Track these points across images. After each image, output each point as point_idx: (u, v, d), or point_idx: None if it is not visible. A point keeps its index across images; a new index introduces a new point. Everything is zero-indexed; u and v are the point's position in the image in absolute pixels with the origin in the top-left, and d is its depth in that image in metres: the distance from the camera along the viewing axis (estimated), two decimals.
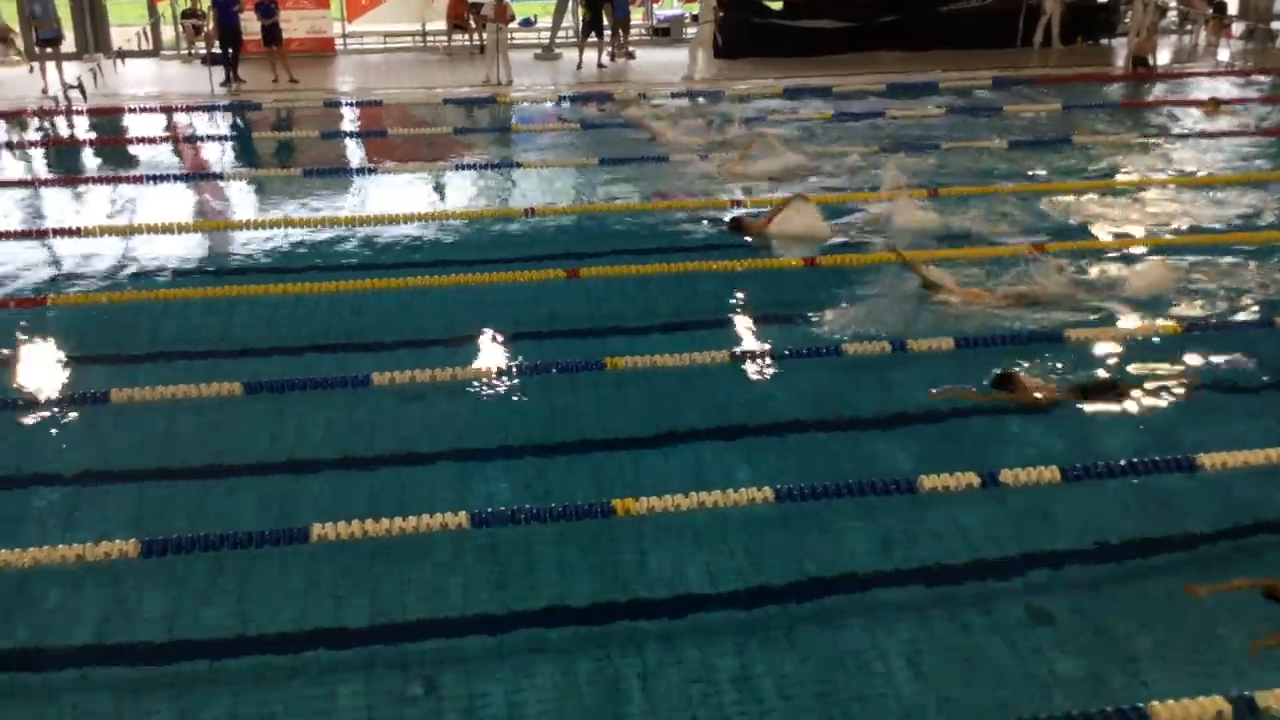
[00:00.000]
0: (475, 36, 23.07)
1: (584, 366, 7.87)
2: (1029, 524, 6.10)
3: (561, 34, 23.43)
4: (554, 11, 23.27)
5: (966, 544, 5.94)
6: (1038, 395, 7.37)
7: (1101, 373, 7.79)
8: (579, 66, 21.46)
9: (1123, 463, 6.44)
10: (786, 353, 8.11)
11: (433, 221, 11.59)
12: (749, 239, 10.68)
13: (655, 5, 25.85)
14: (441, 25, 23.44)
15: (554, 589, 5.59)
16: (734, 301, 9.30)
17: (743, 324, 8.93)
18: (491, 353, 8.39)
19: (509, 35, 20.48)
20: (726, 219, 11.13)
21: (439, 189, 13.04)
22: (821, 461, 6.80)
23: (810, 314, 8.90)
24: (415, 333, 8.73)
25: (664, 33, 24.52)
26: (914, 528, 6.04)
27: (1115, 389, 7.49)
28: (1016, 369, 7.56)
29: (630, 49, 22.73)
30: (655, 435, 7.08)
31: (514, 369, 7.91)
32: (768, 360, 8.07)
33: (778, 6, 23.07)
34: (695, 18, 24.76)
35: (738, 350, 8.20)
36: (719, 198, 12.14)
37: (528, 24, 24.96)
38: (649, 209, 11.79)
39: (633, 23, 23.21)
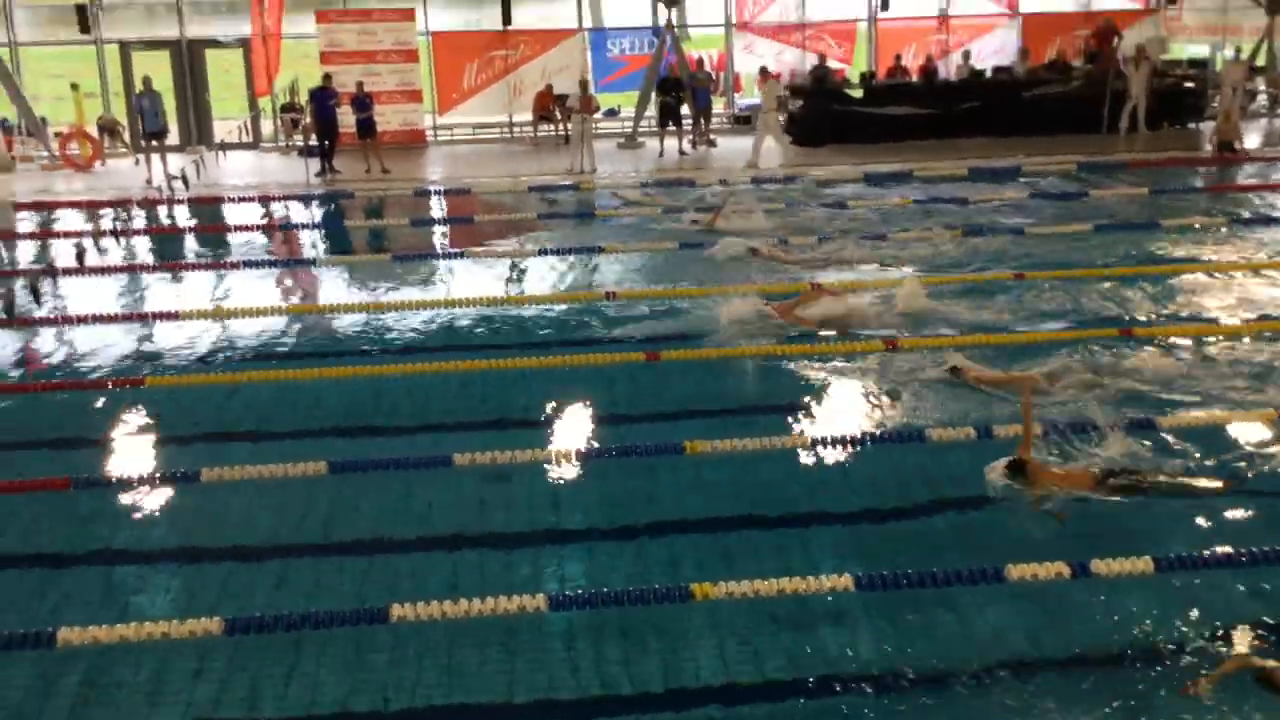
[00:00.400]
0: (560, 127, 23.64)
1: (662, 450, 7.86)
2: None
3: (644, 123, 23.88)
4: (637, 102, 23.75)
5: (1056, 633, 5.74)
6: (1054, 485, 7.11)
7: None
8: (660, 154, 21.81)
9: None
10: (862, 436, 8.01)
11: (515, 305, 11.77)
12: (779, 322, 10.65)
13: (737, 94, 26.22)
14: (528, 117, 24.07)
15: (628, 675, 5.52)
16: (807, 385, 9.22)
17: (818, 408, 8.83)
18: (571, 434, 8.42)
19: (594, 125, 20.93)
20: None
21: (522, 273, 13.26)
22: (901, 548, 6.66)
23: (883, 398, 8.81)
24: (497, 414, 8.83)
25: (745, 121, 24.82)
26: (1003, 614, 5.86)
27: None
28: (1032, 458, 7.25)
29: (712, 137, 23.05)
30: (734, 519, 7.01)
31: (593, 451, 7.92)
32: (841, 446, 7.95)
33: (858, 94, 23.26)
34: None
35: (813, 435, 8.11)
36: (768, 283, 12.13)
37: (612, 114, 25.50)
38: (717, 292, 11.81)
39: (714, 111, 23.57)
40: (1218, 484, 7.24)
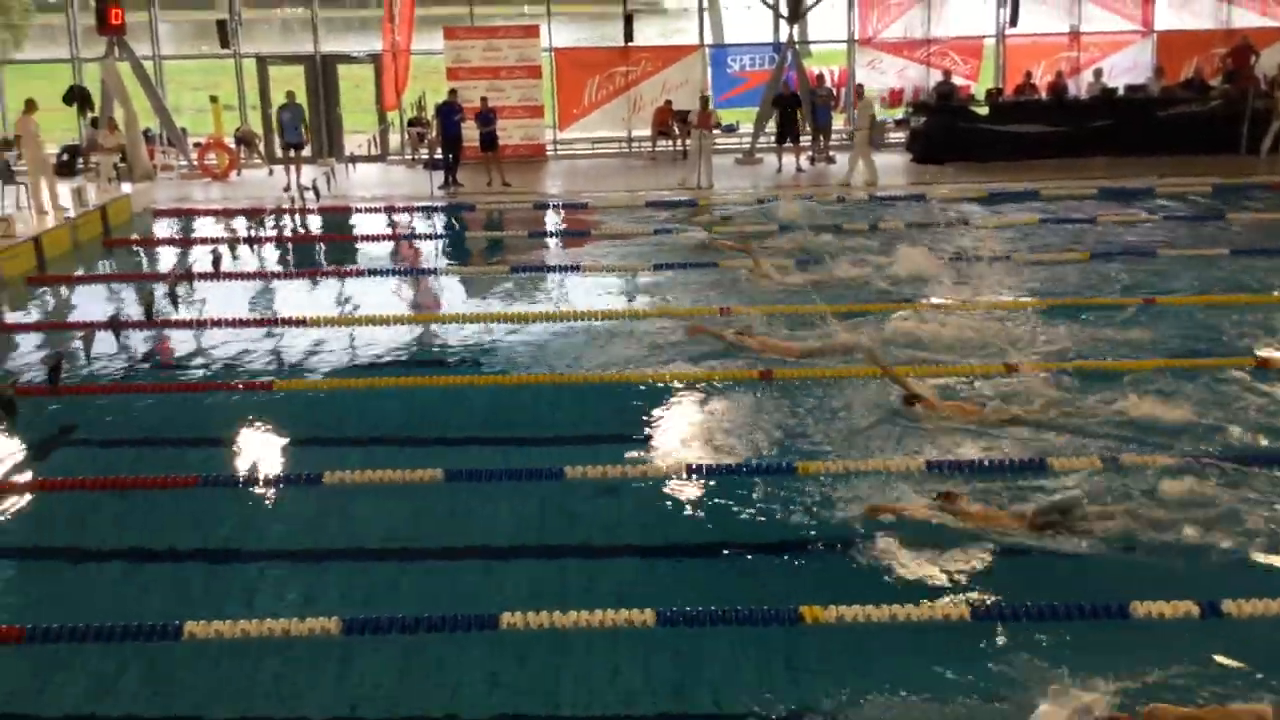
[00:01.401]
0: (678, 142, 23.73)
1: (775, 469, 7.81)
2: None
3: (763, 140, 23.81)
4: (756, 118, 23.70)
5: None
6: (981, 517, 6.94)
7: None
8: (778, 170, 21.72)
9: None
10: (986, 463, 7.83)
11: (630, 319, 11.83)
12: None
13: (856, 110, 25.95)
14: (647, 132, 24.23)
15: (732, 695, 5.48)
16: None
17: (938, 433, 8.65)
18: (684, 450, 8.41)
19: (712, 141, 20.95)
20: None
21: (638, 288, 13.32)
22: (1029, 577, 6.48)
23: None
24: (610, 428, 8.87)
25: None
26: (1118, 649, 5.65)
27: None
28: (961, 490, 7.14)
29: (831, 154, 22.86)
30: (846, 541, 6.90)
31: (705, 468, 7.90)
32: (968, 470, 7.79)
33: (983, 111, 22.81)
34: (898, 123, 24.76)
35: (932, 457, 7.95)
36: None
37: (730, 130, 25.48)
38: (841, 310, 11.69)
39: (834, 128, 23.37)
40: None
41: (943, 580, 6.40)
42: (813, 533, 7.03)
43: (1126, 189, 18.40)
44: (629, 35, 23.61)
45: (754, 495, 7.53)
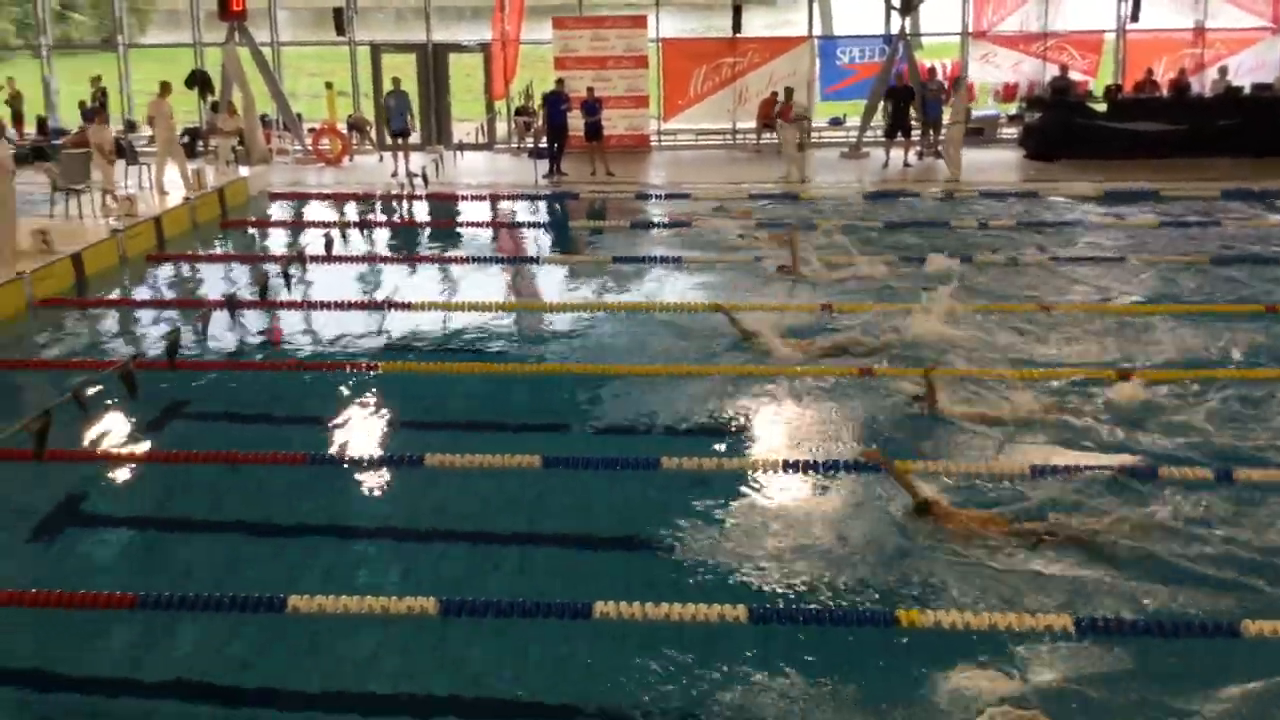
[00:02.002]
0: None
1: (869, 467, 7.70)
2: None
3: (871, 133, 23.49)
4: (864, 111, 23.37)
5: None
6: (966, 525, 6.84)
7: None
8: (885, 165, 21.39)
9: None
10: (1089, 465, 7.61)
11: (731, 311, 11.74)
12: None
13: (969, 104, 25.41)
14: (752, 124, 24.08)
15: (823, 697, 5.43)
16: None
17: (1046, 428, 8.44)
18: (777, 445, 8.36)
19: (797, 134, 20.67)
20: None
21: (737, 280, 13.23)
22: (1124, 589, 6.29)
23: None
24: (707, 419, 8.85)
25: (977, 132, 24.00)
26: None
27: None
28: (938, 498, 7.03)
29: (940, 148, 22.42)
30: (940, 544, 6.78)
31: (799, 464, 7.83)
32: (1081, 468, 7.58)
33: (1101, 108, 22.14)
34: (1011, 118, 24.20)
35: (1037, 462, 7.75)
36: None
37: (836, 123, 25.17)
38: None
39: (945, 122, 22.90)
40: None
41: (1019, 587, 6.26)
42: (901, 537, 6.92)
43: (1251, 191, 17.69)
44: (737, 26, 23.46)
45: (840, 491, 7.46)
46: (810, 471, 7.72)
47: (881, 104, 22.20)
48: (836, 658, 5.70)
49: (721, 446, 8.28)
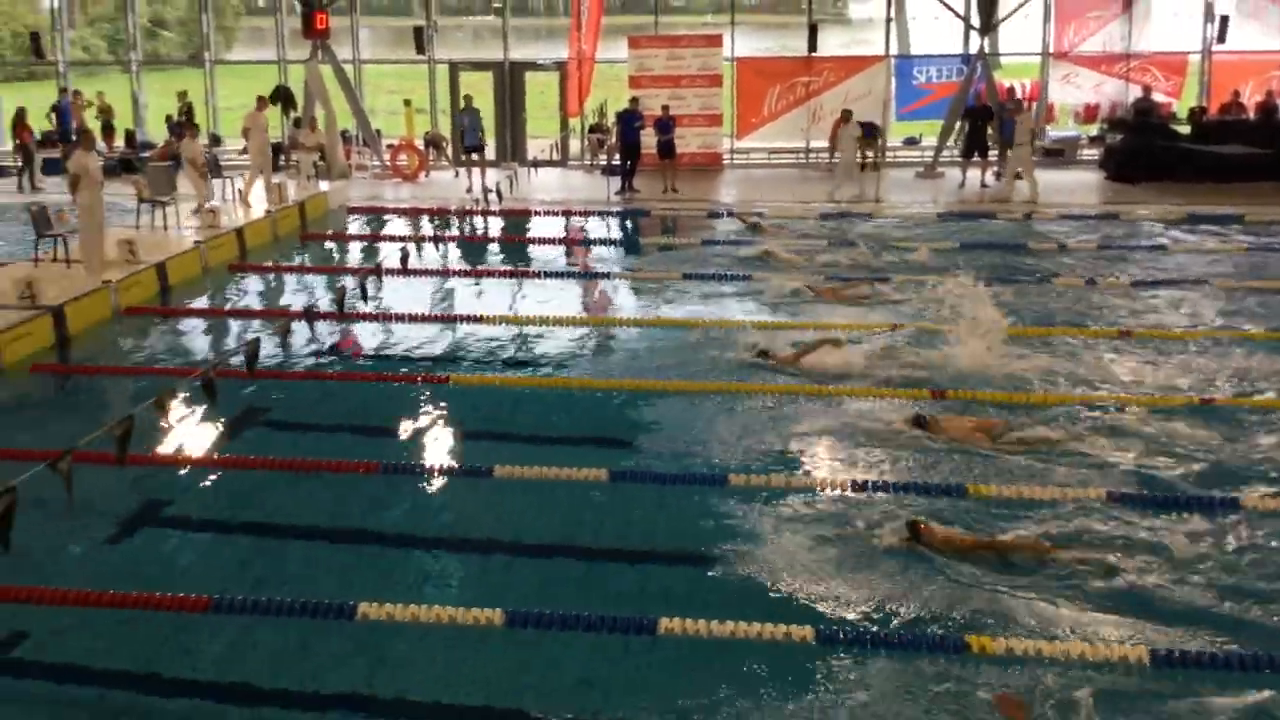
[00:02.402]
0: (857, 154, 23.41)
1: (944, 490, 7.60)
2: None
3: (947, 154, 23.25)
4: (941, 131, 23.16)
5: None
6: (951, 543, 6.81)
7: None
8: (961, 185, 21.15)
9: None
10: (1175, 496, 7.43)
11: (797, 331, 11.69)
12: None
13: (1048, 125, 25.04)
14: (825, 143, 23.94)
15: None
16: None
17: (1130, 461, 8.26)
18: (850, 466, 8.28)
19: (854, 153, 20.56)
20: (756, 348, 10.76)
21: (805, 299, 13.15)
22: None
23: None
24: (774, 438, 8.79)
25: (1057, 154, 23.65)
26: None
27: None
28: (924, 520, 6.98)
29: (1019, 170, 22.08)
30: (1013, 570, 6.65)
31: (871, 483, 7.75)
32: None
33: (1185, 130, 21.67)
34: (1092, 139, 23.80)
35: (1114, 490, 7.59)
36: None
37: (911, 143, 24.96)
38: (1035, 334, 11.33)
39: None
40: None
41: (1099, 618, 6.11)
42: (969, 562, 6.80)
43: None
44: (813, 45, 23.42)
45: (908, 513, 7.35)
46: (880, 492, 7.63)
47: (958, 124, 21.97)
48: (904, 683, 5.62)
49: (789, 465, 8.22)
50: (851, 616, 6.22)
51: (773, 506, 7.52)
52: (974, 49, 22.82)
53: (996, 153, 21.80)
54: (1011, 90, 23.58)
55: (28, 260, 13.73)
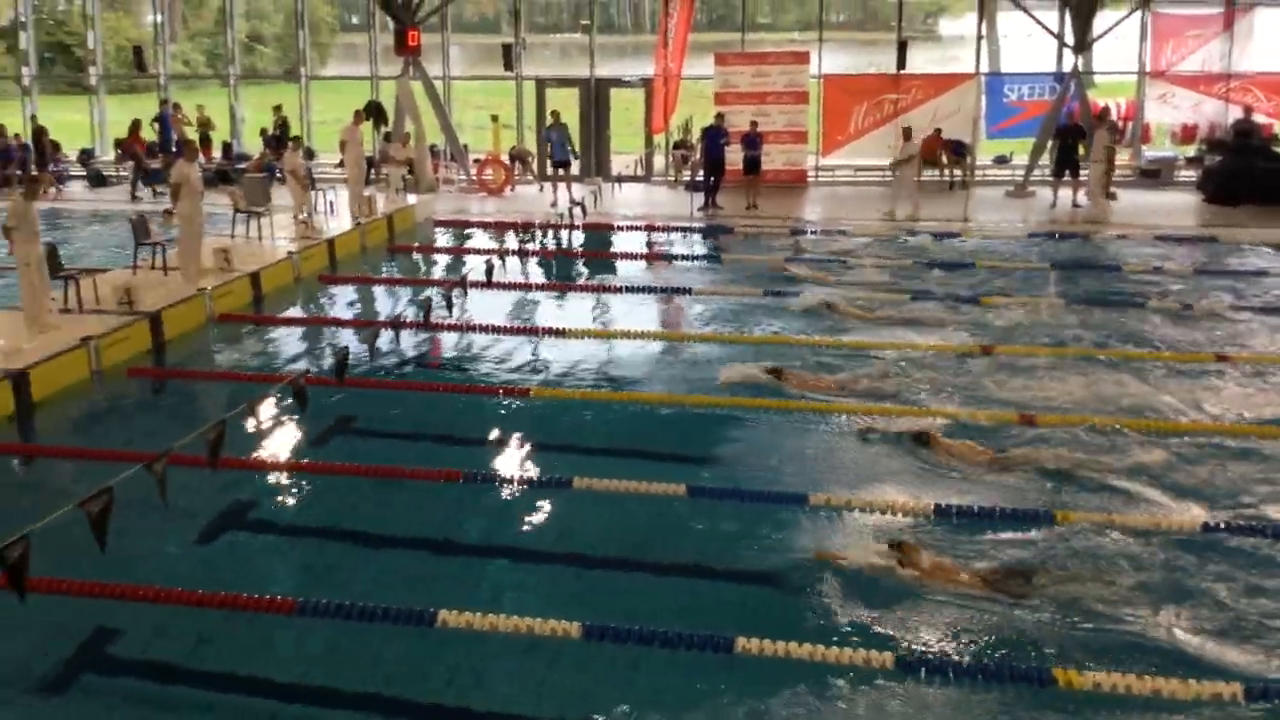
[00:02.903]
0: (946, 172, 23.14)
1: (1032, 517, 7.44)
2: None
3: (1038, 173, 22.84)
4: (1032, 149, 22.76)
5: None
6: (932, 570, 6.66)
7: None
8: (1052, 205, 20.74)
9: None
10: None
11: (879, 350, 11.55)
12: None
13: (1144, 145, 24.46)
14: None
15: None
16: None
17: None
18: (927, 490, 8.14)
19: (914, 170, 20.29)
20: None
21: (889, 318, 12.98)
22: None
23: None
24: (854, 461, 8.69)
25: (1153, 174, 23.07)
26: None
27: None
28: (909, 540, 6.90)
29: (1113, 190, 21.62)
30: (1107, 603, 6.47)
31: (951, 509, 7.60)
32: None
33: None
34: (1190, 160, 23.19)
35: (1211, 521, 7.35)
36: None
37: (1001, 161, 24.56)
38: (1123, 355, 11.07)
39: (1118, 163, 22.09)
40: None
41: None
42: (1059, 585, 6.63)
43: None
44: (901, 62, 23.20)
45: (993, 538, 7.21)
46: (964, 518, 7.49)
47: (1050, 143, 21.58)
48: (986, 715, 5.50)
49: (869, 486, 8.11)
50: (935, 644, 6.10)
51: (854, 525, 7.43)
52: (1067, 67, 22.40)
53: (1088, 172, 21.35)
54: (1105, 109, 23.09)
55: (127, 268, 14.17)
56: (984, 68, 24.19)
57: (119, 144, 25.07)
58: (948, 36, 37.35)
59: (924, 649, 6.03)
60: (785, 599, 6.65)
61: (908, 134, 20.34)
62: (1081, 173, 20.86)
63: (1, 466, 9.12)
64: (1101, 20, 22.02)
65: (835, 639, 5.92)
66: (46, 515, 5.84)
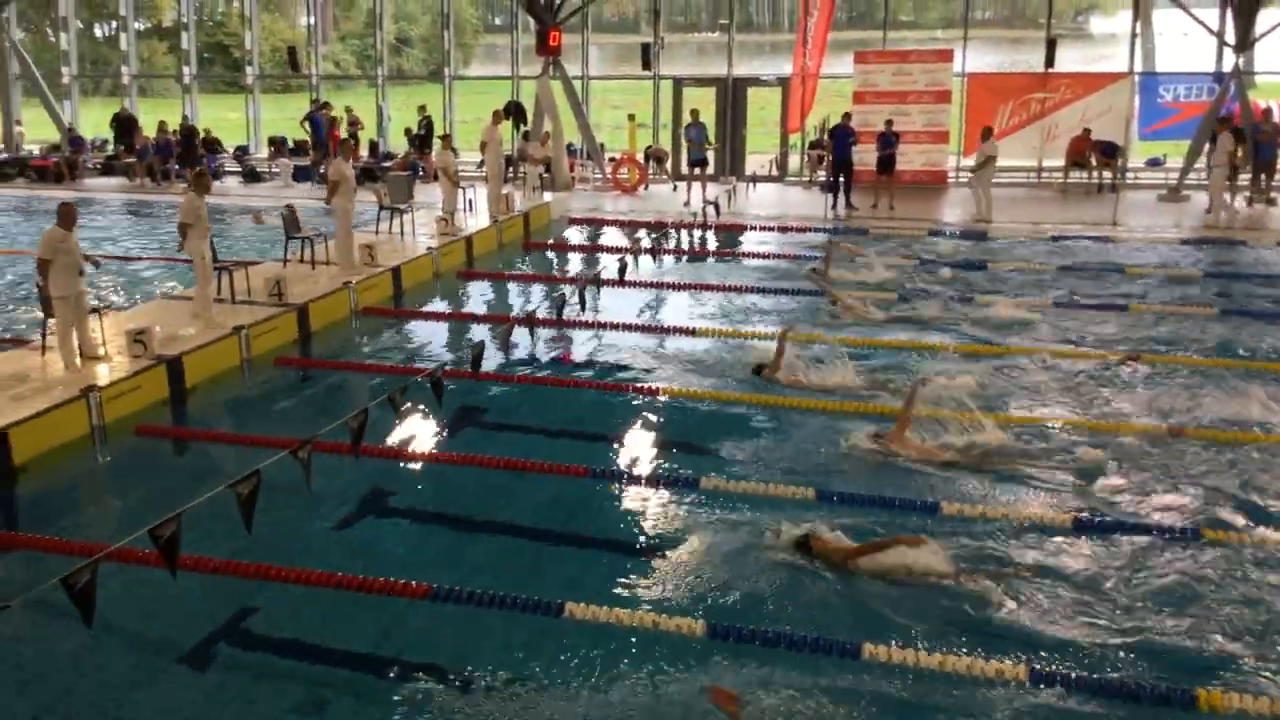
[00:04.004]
0: (1094, 174, 22.36)
1: (1180, 535, 7.14)
2: None
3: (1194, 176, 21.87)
4: (1188, 152, 21.79)
5: None
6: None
7: None
8: (1208, 210, 19.82)
9: None
10: None
11: (1021, 356, 11.25)
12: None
13: (1233, 148, 23.15)
14: (1060, 162, 22.97)
15: None
16: None
17: None
18: (1067, 498, 7.89)
19: (990, 170, 19.61)
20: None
21: (1035, 325, 12.60)
22: None
23: None
24: (994, 464, 8.46)
25: None
26: None
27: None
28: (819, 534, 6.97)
29: (1273, 195, 20.56)
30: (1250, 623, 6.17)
31: (1097, 522, 7.34)
32: None
33: None
34: None
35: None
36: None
37: (1155, 164, 23.59)
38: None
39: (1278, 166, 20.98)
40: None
41: None
42: (1202, 607, 6.34)
43: None
44: (1050, 61, 22.50)
45: (1145, 554, 6.93)
46: (1110, 533, 7.23)
47: (1207, 145, 20.64)
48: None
49: (1005, 495, 7.91)
50: (1073, 658, 5.90)
51: (990, 536, 7.25)
52: (1227, 66, 21.38)
53: (1249, 176, 20.36)
54: (1268, 111, 21.93)
55: (278, 260, 14.75)
56: (1138, 67, 23.27)
57: (271, 141, 26.25)
58: (1099, 34, 36.07)
59: (1063, 664, 5.83)
60: (915, 605, 6.51)
61: (986, 134, 19.79)
62: (1241, 177, 19.90)
63: (155, 448, 9.58)
64: (1265, 18, 20.94)
65: (967, 648, 5.75)
66: (196, 496, 6.12)
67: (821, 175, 22.92)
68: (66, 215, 10.14)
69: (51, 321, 10.35)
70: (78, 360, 10.17)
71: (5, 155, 26.31)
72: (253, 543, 6.68)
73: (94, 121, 29.73)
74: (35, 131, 29.00)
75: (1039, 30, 23.00)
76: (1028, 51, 25.77)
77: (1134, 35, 23.18)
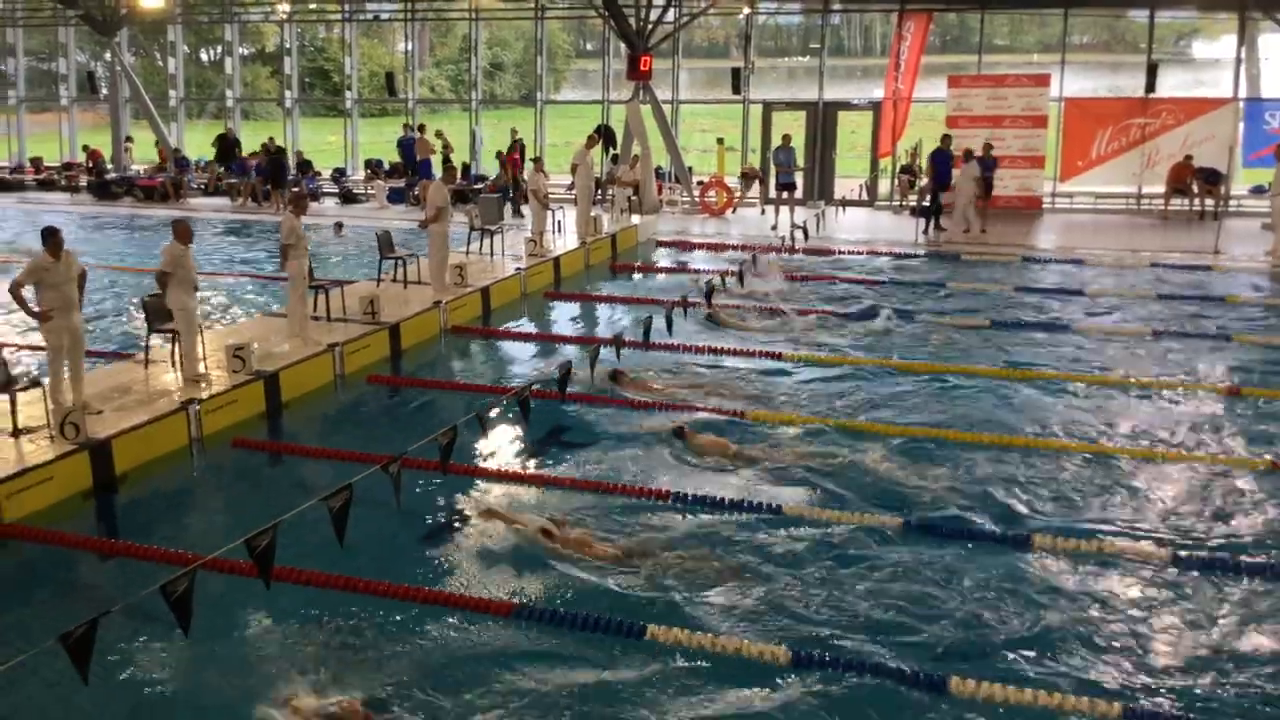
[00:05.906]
0: (1196, 202, 21.75)
1: (1261, 571, 6.87)
2: None
3: None
4: None
5: None
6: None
7: None
8: None
9: None
10: None
11: (1125, 389, 10.97)
12: None
13: None
14: (1160, 189, 22.41)
15: None
16: None
17: None
18: (1164, 530, 7.66)
19: (974, 194, 19.06)
20: None
21: (1131, 355, 12.29)
22: None
23: None
24: (1089, 497, 8.26)
25: None
26: None
27: None
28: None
29: None
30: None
31: (1203, 560, 7.11)
32: None
33: None
34: None
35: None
36: None
37: (1259, 191, 22.85)
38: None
39: None
40: None
41: None
42: None
43: None
44: (1151, 85, 22.00)
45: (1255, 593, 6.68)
46: (1219, 571, 7.02)
47: None
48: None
49: (1105, 529, 7.70)
50: (1168, 701, 5.71)
51: (1088, 570, 7.07)
52: None
53: None
54: None
55: (373, 279, 15.06)
56: (1242, 92, 22.63)
57: (367, 164, 26.81)
58: (1201, 59, 35.13)
59: (1158, 705, 5.64)
60: (1006, 641, 6.37)
61: (967, 156, 19.60)
62: None
63: (251, 461, 9.82)
64: None
65: (1056, 685, 5.59)
66: (290, 509, 6.24)
67: (913, 199, 22.68)
68: (183, 232, 10.47)
69: (155, 339, 10.69)
70: (200, 367, 10.57)
71: (115, 175, 27.34)
72: (345, 556, 6.78)
73: (198, 143, 30.77)
74: (143, 152, 30.10)
75: (1138, 55, 22.50)
76: (1126, 76, 25.19)
77: (1239, 60, 22.56)
